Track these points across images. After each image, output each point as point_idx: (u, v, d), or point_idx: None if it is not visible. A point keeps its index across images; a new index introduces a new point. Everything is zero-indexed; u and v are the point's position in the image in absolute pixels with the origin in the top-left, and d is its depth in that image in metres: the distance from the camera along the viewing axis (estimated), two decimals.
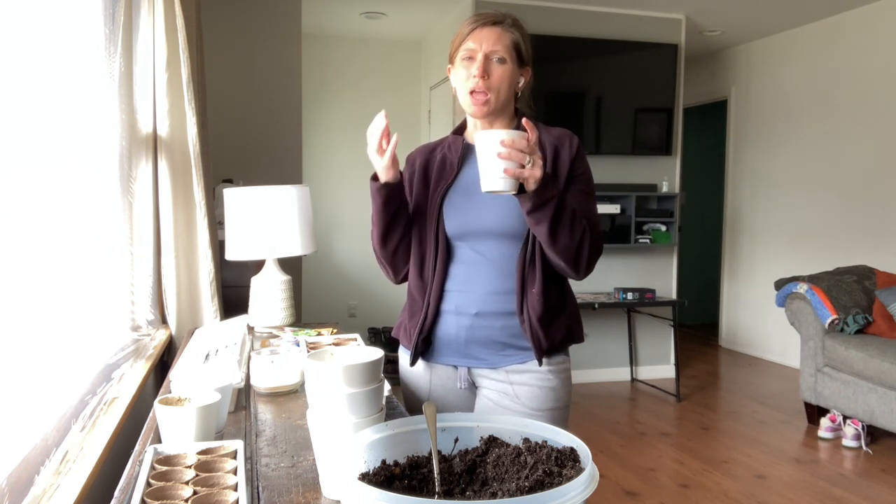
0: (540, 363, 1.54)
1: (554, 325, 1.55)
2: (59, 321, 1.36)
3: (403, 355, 1.68)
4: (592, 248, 1.48)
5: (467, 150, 1.60)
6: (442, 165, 1.60)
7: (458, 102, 1.60)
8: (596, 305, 4.60)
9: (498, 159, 1.29)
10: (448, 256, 1.57)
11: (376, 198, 1.51)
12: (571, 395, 1.63)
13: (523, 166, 1.31)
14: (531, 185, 1.34)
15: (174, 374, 1.35)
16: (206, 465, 0.97)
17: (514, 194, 1.36)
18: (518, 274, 1.52)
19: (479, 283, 1.54)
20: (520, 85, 1.58)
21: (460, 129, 1.65)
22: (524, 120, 1.34)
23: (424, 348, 1.61)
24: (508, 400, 1.56)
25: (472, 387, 1.63)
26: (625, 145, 5.09)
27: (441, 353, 1.61)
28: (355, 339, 1.79)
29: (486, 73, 1.49)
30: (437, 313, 1.58)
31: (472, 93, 1.51)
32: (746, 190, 6.09)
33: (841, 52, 5.15)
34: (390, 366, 1.99)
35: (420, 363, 1.64)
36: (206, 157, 2.41)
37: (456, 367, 1.61)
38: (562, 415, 1.59)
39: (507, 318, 1.54)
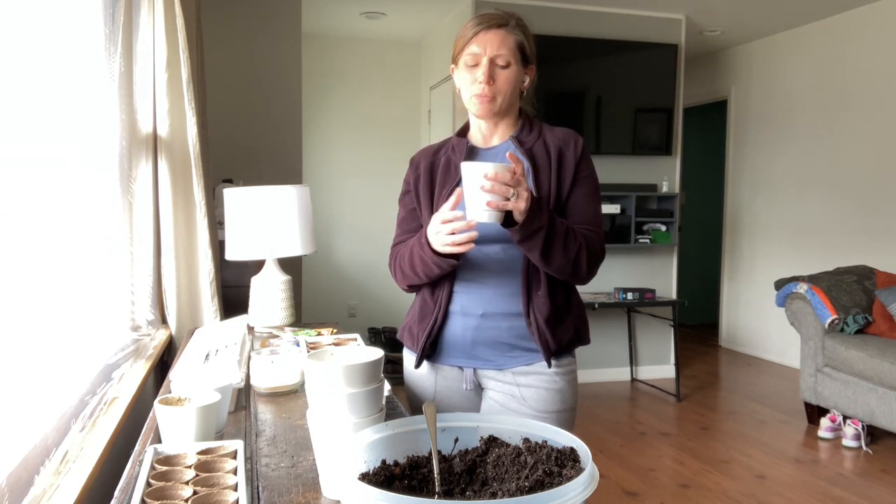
0: (549, 364, 1.53)
1: (562, 326, 1.54)
2: (59, 321, 1.35)
3: (408, 357, 1.67)
4: (591, 259, 1.48)
5: (472, 153, 1.60)
6: (446, 168, 1.59)
7: (459, 102, 1.59)
8: (596, 305, 4.60)
9: (482, 192, 1.29)
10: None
11: (443, 267, 1.46)
12: (578, 397, 1.62)
13: (508, 198, 1.31)
14: (518, 217, 1.34)
15: (174, 374, 1.35)
16: (206, 465, 0.97)
17: (503, 225, 1.36)
18: (522, 276, 1.51)
19: (484, 283, 1.54)
20: (524, 84, 1.57)
21: (463, 131, 1.65)
22: (508, 153, 1.33)
23: (430, 350, 1.61)
24: (515, 402, 1.56)
25: (478, 388, 1.62)
26: (625, 145, 5.09)
27: (447, 354, 1.60)
28: (355, 339, 1.79)
29: (491, 79, 1.49)
30: (445, 315, 1.57)
31: (477, 96, 1.51)
32: (746, 190, 6.09)
33: (841, 52, 5.15)
34: (390, 366, 1.99)
35: (426, 365, 1.63)
36: (206, 157, 2.41)
37: (462, 368, 1.60)
38: (568, 417, 1.58)
39: (513, 319, 1.53)
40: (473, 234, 1.34)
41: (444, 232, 1.36)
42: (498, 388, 1.58)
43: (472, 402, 1.63)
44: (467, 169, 1.32)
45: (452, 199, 1.36)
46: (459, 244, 1.35)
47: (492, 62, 1.49)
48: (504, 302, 1.53)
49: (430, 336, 1.58)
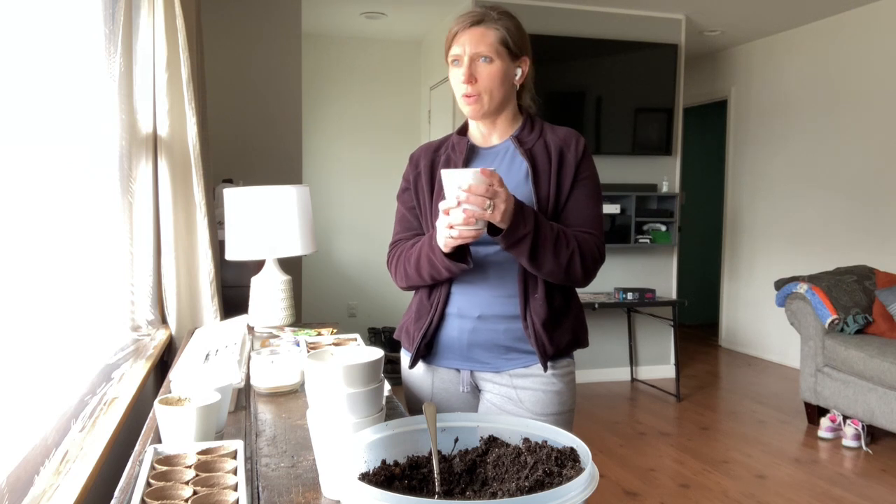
0: (545, 369, 1.51)
1: (559, 330, 1.53)
2: (59, 321, 1.35)
3: (405, 358, 1.66)
4: (586, 263, 1.46)
5: (472, 152, 1.58)
6: (446, 167, 1.57)
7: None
8: (596, 305, 4.60)
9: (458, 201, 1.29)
10: None
11: (452, 270, 1.44)
12: (576, 398, 1.61)
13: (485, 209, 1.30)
14: (499, 225, 1.33)
15: (174, 374, 1.35)
16: (206, 465, 0.96)
17: (489, 233, 1.35)
18: (519, 278, 1.50)
19: (481, 285, 1.52)
20: (517, 78, 1.54)
21: (464, 129, 1.63)
22: (481, 169, 1.30)
23: (426, 351, 1.59)
24: (512, 405, 1.54)
25: (475, 390, 1.61)
26: (625, 145, 5.09)
27: (444, 356, 1.59)
28: (355, 339, 1.79)
29: (472, 78, 1.47)
30: (442, 316, 1.56)
31: (463, 96, 1.50)
32: (746, 190, 6.09)
33: (841, 52, 5.15)
34: (390, 366, 1.99)
35: (422, 366, 1.62)
36: (206, 157, 2.41)
37: (458, 370, 1.59)
38: (566, 419, 1.57)
39: (510, 322, 1.52)
40: (482, 231, 1.33)
41: (444, 224, 1.35)
42: (495, 390, 1.57)
43: (469, 404, 1.61)
44: (446, 177, 1.32)
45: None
46: (466, 237, 1.33)
47: (472, 60, 1.47)
48: (501, 304, 1.52)
49: (425, 337, 1.56)
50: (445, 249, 1.40)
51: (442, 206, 1.33)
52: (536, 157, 1.52)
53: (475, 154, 1.59)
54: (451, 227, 1.33)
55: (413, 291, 1.66)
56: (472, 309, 1.53)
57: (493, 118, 1.56)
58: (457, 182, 1.29)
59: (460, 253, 1.43)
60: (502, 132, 1.58)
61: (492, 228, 1.36)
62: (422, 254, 1.49)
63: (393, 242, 1.65)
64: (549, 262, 1.41)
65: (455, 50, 1.49)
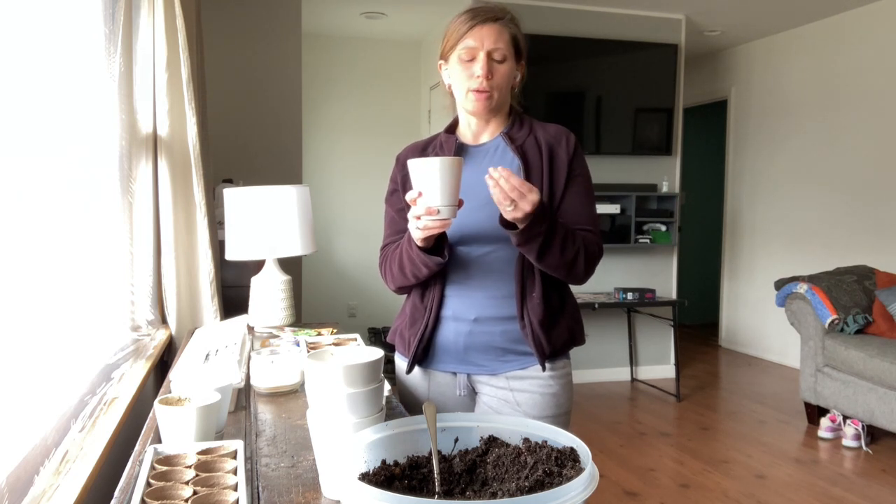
0: (543, 368, 1.51)
1: (556, 329, 1.52)
2: (59, 321, 1.35)
3: (400, 361, 1.65)
4: (588, 261, 1.46)
5: (461, 150, 1.57)
6: None
7: (447, 99, 1.56)
8: (596, 305, 4.60)
9: (435, 187, 1.25)
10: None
11: (429, 265, 1.43)
12: (572, 400, 1.60)
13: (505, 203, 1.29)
14: (520, 222, 1.32)
15: (174, 374, 1.35)
16: (206, 465, 0.96)
17: (503, 225, 1.35)
18: (517, 279, 1.49)
19: (476, 287, 1.51)
20: (516, 80, 1.54)
21: (452, 128, 1.61)
22: (500, 168, 1.28)
23: (423, 356, 1.58)
24: (508, 407, 1.54)
25: (472, 393, 1.60)
26: (625, 145, 5.09)
27: (440, 360, 1.57)
28: (355, 339, 1.79)
29: (490, 73, 1.45)
30: (437, 320, 1.55)
31: (475, 91, 1.47)
32: (746, 190, 6.09)
33: (841, 52, 5.15)
34: (390, 366, 1.99)
35: (418, 371, 1.61)
36: (206, 157, 2.41)
37: (455, 373, 1.58)
38: (563, 421, 1.56)
39: (506, 323, 1.51)
40: (448, 221, 1.29)
41: (412, 215, 1.32)
42: (491, 392, 1.56)
43: (466, 407, 1.60)
44: (412, 166, 1.28)
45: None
46: (430, 228, 1.30)
47: (489, 56, 1.45)
48: (497, 305, 1.50)
49: (421, 341, 1.55)
50: (418, 242, 1.38)
51: (408, 196, 1.30)
52: (528, 153, 1.51)
53: (465, 152, 1.57)
54: (419, 219, 1.30)
55: (405, 294, 1.65)
56: (468, 311, 1.51)
57: (490, 116, 1.54)
58: (423, 171, 1.25)
59: (438, 248, 1.41)
60: (494, 131, 1.57)
61: (506, 222, 1.35)
62: (403, 252, 1.48)
63: (383, 246, 1.64)
64: (555, 257, 1.40)
65: (469, 42, 1.46)
